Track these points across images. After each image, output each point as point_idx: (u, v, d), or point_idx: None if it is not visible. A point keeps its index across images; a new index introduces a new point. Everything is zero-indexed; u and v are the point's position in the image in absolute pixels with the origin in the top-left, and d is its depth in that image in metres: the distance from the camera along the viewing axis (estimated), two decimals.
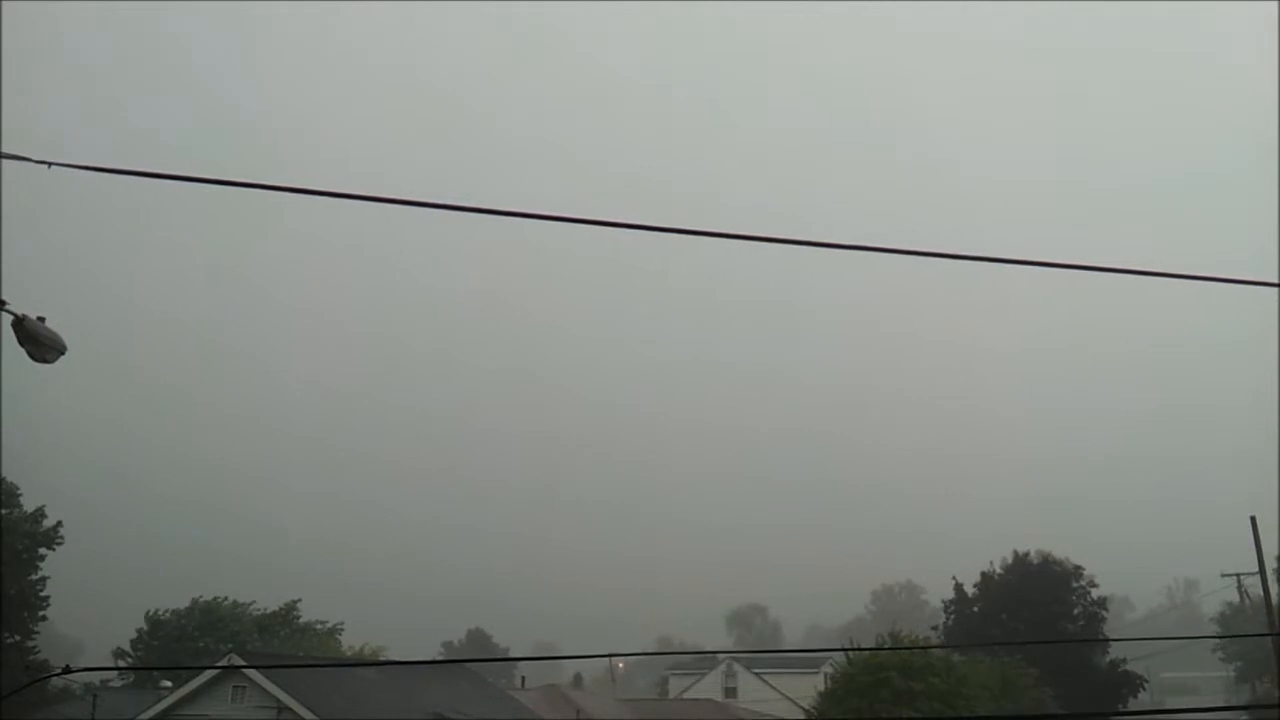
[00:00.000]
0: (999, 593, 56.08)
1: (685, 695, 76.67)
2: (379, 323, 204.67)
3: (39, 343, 11.25)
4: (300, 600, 74.59)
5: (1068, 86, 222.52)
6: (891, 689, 34.84)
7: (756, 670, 76.27)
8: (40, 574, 56.99)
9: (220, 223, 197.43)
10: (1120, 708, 52.36)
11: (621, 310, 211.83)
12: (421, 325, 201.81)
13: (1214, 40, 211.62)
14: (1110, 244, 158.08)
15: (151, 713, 37.48)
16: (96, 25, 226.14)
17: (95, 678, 54.71)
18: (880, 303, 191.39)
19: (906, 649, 37.91)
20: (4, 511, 55.07)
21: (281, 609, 73.20)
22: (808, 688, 53.38)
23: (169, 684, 47.39)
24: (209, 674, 37.87)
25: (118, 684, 61.18)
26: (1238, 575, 55.89)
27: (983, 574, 57.58)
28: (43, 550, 57.11)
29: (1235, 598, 64.15)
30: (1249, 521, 47.32)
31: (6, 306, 11.05)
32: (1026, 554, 57.62)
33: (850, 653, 39.05)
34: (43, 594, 56.99)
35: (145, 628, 69.83)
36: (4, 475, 56.23)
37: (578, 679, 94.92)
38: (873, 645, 41.33)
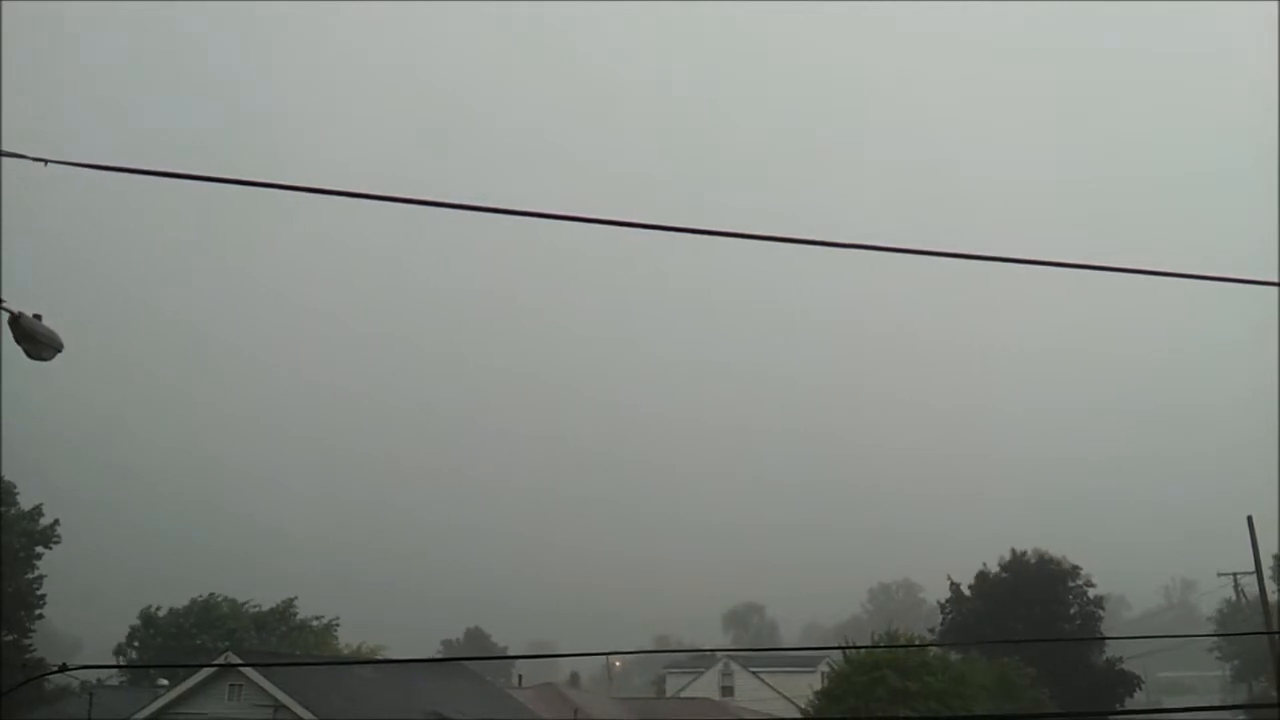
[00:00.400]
0: (996, 592, 56.12)
1: (682, 694, 76.62)
2: (377, 321, 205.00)
3: (35, 340, 11.24)
4: (297, 598, 74.59)
5: (1067, 87, 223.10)
6: (887, 688, 34.86)
7: (753, 669, 76.23)
8: (37, 572, 56.99)
9: (225, 221, 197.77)
10: (1116, 707, 52.47)
11: (620, 309, 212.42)
12: (420, 324, 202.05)
13: (1214, 40, 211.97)
14: (1108, 243, 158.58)
15: (148, 711, 37.41)
16: (102, 25, 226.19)
17: (92, 676, 54.68)
18: (877, 302, 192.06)
19: (903, 648, 37.92)
20: (1, 510, 55.04)
21: (279, 606, 73.15)
22: (804, 687, 53.38)
23: (165, 682, 47.36)
24: (206, 672, 37.81)
25: (114, 682, 61.14)
26: (1234, 575, 55.93)
27: (978, 573, 57.62)
28: (40, 548, 57.11)
29: (1232, 597, 64.23)
30: (1246, 521, 47.44)
31: (4, 305, 11.04)
32: (1024, 553, 57.68)
33: (847, 652, 39.08)
34: (40, 592, 56.99)
35: (140, 624, 69.78)
36: (1, 474, 56.23)
37: (575, 677, 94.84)
38: (869, 644, 41.39)
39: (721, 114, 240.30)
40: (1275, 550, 67.46)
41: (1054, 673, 47.68)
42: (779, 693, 68.45)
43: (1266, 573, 49.83)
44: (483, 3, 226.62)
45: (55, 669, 22.89)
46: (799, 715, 46.15)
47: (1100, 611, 57.17)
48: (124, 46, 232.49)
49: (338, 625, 75.72)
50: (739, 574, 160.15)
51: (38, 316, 11.26)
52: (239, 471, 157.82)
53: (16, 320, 11.10)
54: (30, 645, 55.41)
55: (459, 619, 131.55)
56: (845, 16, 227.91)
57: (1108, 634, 57.24)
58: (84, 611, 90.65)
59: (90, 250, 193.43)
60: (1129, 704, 54.70)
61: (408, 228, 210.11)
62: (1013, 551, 57.77)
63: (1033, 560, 57.30)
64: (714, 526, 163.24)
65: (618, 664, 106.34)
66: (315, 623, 73.71)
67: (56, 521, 57.82)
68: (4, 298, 11.09)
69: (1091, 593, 56.81)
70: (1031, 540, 61.08)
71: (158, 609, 70.59)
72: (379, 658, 68.00)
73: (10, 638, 52.87)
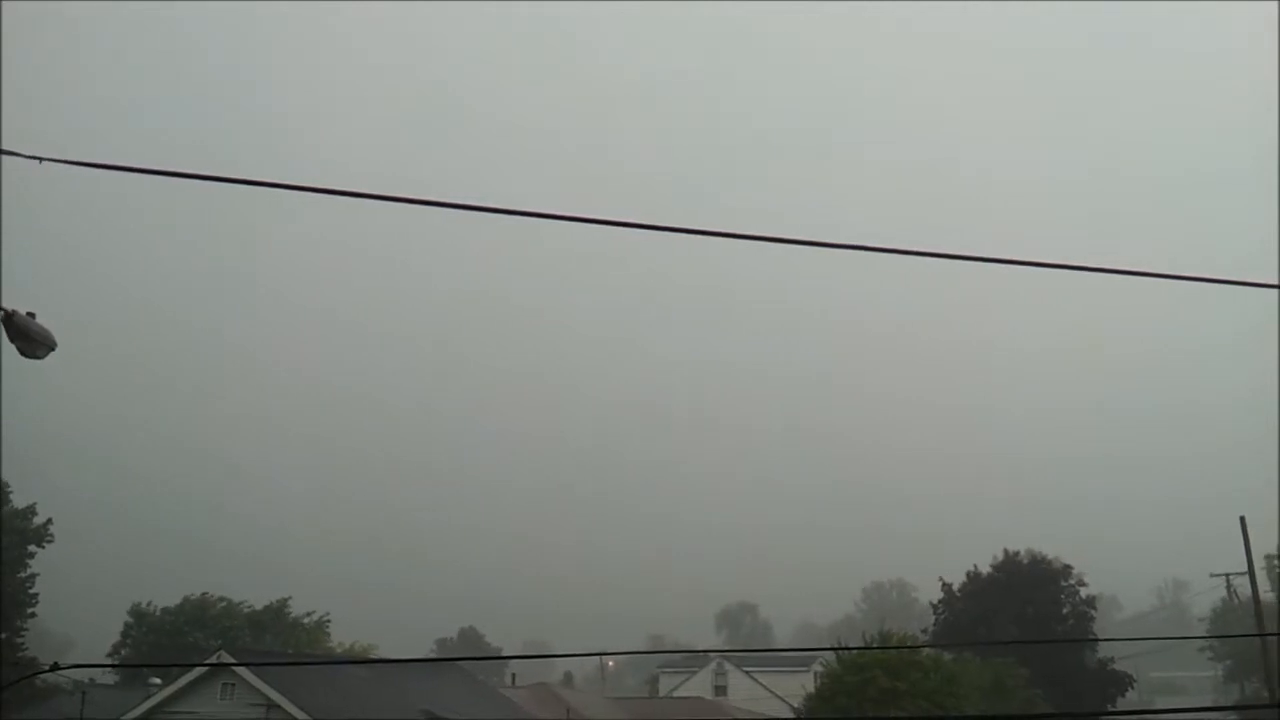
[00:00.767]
0: (988, 592, 56.21)
1: (675, 694, 76.69)
2: (375, 319, 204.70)
3: (29, 338, 11.26)
4: (291, 598, 74.50)
5: (1067, 86, 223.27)
6: (877, 688, 34.95)
7: (747, 669, 76.24)
8: (30, 571, 56.93)
9: (225, 220, 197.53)
10: (1109, 707, 52.63)
11: (616, 308, 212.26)
12: (419, 322, 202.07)
13: (1214, 39, 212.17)
14: (1106, 242, 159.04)
15: (140, 710, 37.35)
16: (101, 24, 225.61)
17: (84, 675, 54.56)
18: (875, 302, 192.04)
19: (895, 648, 38.03)
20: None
21: (274, 605, 73.09)
22: (798, 686, 53.50)
23: (158, 681, 47.28)
24: (198, 671, 37.77)
25: (107, 681, 61.05)
26: (1227, 575, 56.01)
27: (968, 573, 57.71)
28: (32, 547, 57.06)
29: (1224, 598, 64.36)
30: (1239, 521, 47.58)
31: None
32: (1016, 553, 57.78)
33: (839, 652, 39.17)
34: (32, 591, 56.93)
35: (131, 620, 69.66)
36: (1, 473, 56.25)
37: (568, 677, 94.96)
38: (861, 644, 41.47)
39: (722, 113, 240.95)
40: (1268, 551, 67.74)
41: (1046, 673, 47.78)
42: (772, 693, 68.53)
43: (1259, 574, 49.98)
44: (483, 2, 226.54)
45: (47, 668, 22.87)
46: (792, 715, 46.26)
47: (1092, 612, 57.30)
48: (122, 46, 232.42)
49: (329, 622, 75.58)
50: (733, 573, 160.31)
51: (31, 315, 11.27)
52: (236, 470, 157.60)
53: (10, 318, 11.12)
54: (23, 644, 55.37)
55: (453, 618, 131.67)
56: (845, 16, 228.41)
57: (1100, 634, 57.43)
58: (79, 610, 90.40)
59: (89, 248, 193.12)
60: (1121, 704, 54.88)
61: (408, 227, 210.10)
62: (1005, 552, 57.86)
63: (1025, 560, 57.40)
64: (708, 526, 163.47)
65: (611, 664, 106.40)
66: (306, 620, 73.58)
67: (49, 521, 57.78)
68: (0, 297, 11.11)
69: (1084, 593, 56.92)
70: (1025, 540, 61.42)
71: (150, 605, 70.45)
72: (372, 657, 67.96)
73: (2, 637, 52.85)
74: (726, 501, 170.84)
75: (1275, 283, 11.19)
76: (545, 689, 62.24)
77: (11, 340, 11.16)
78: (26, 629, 57.59)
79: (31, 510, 57.36)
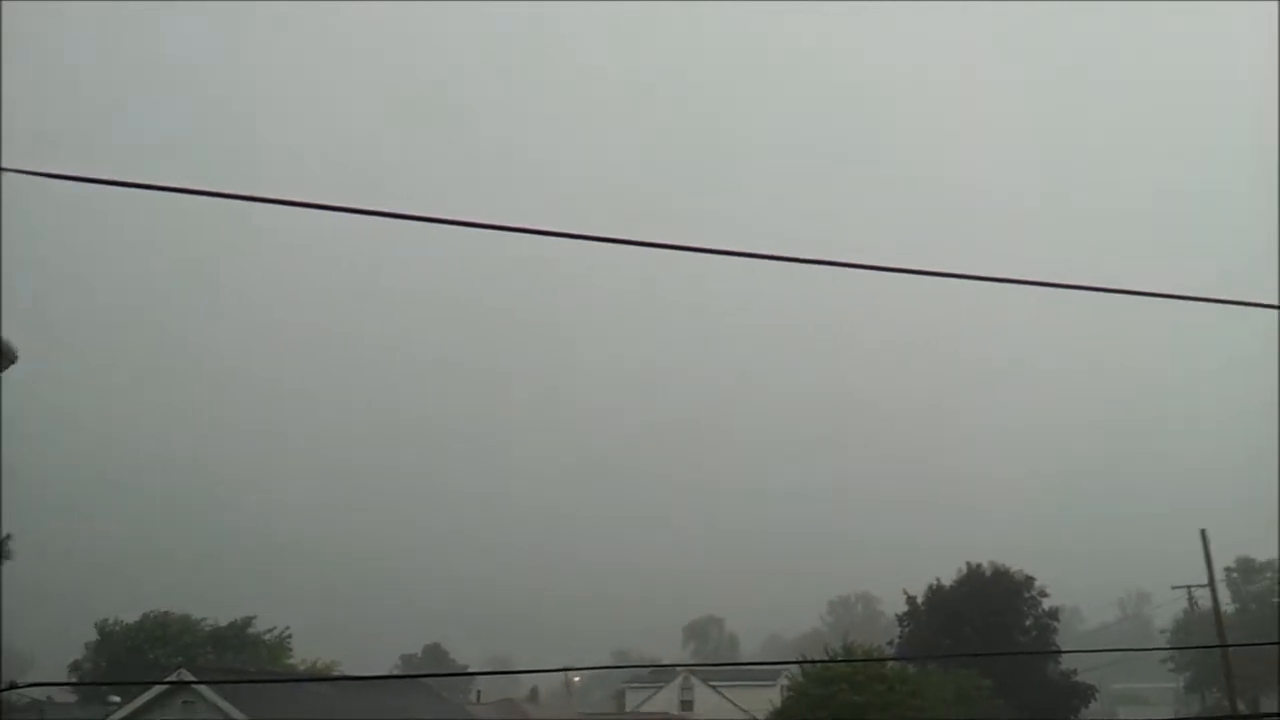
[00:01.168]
0: (952, 604, 56.48)
1: (641, 708, 76.59)
2: (345, 325, 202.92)
3: None
4: (255, 617, 73.71)
5: (1066, 101, 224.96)
6: (842, 702, 35.06)
7: (713, 683, 76.25)
8: None
9: (204, 222, 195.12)
10: (1071, 718, 53.01)
11: (589, 316, 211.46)
12: (375, 326, 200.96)
13: (1215, 54, 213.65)
14: (1090, 257, 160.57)
15: None
16: (85, 25, 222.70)
17: (42, 693, 53.84)
18: (847, 313, 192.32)
19: (860, 661, 38.13)
20: None
21: (237, 622, 72.33)
22: (764, 701, 53.54)
23: (117, 699, 46.66)
24: (158, 689, 37.31)
25: (67, 699, 60.23)
26: (1188, 588, 56.62)
27: (931, 586, 58.00)
28: None
29: (1186, 609, 65.05)
30: (1200, 535, 48.16)
31: None
32: (979, 565, 58.12)
33: (804, 666, 39.26)
34: None
35: (98, 638, 68.80)
36: None
37: (534, 693, 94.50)
38: (826, 657, 41.58)
39: (720, 122, 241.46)
40: (1227, 564, 68.61)
41: (1009, 685, 48.04)
42: (739, 707, 68.56)
43: (1220, 585, 50.59)
44: (485, 3, 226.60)
45: (5, 687, 22.55)
46: None
47: (1055, 624, 57.67)
48: (109, 47, 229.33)
49: (289, 637, 74.83)
50: (699, 587, 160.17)
51: None
52: (198, 483, 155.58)
53: None
54: None
55: (418, 634, 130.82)
56: (844, 16, 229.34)
57: (1062, 646, 57.75)
58: (40, 626, 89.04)
59: (62, 255, 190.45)
60: (1084, 715, 55.29)
61: (392, 234, 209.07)
62: (968, 565, 58.21)
63: (988, 573, 57.74)
64: (674, 539, 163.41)
65: (577, 679, 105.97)
66: (268, 636, 72.84)
67: (9, 536, 56.89)
68: None
69: (1046, 604, 57.29)
70: (989, 553, 61.56)
71: (115, 623, 69.61)
72: (336, 674, 67.38)
73: None
74: (693, 514, 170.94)
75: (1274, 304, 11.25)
76: (511, 705, 62.08)
77: None
78: None
79: None
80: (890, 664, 40.56)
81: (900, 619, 59.53)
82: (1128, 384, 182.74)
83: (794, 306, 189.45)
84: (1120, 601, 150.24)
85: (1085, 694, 54.60)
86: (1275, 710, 63.20)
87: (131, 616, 69.90)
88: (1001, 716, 44.93)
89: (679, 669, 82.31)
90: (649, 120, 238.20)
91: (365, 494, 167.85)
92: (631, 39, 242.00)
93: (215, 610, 73.35)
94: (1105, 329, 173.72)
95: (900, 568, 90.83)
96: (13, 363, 11.26)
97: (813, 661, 39.61)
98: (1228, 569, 69.98)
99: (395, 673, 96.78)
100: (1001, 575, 57.62)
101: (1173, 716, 78.66)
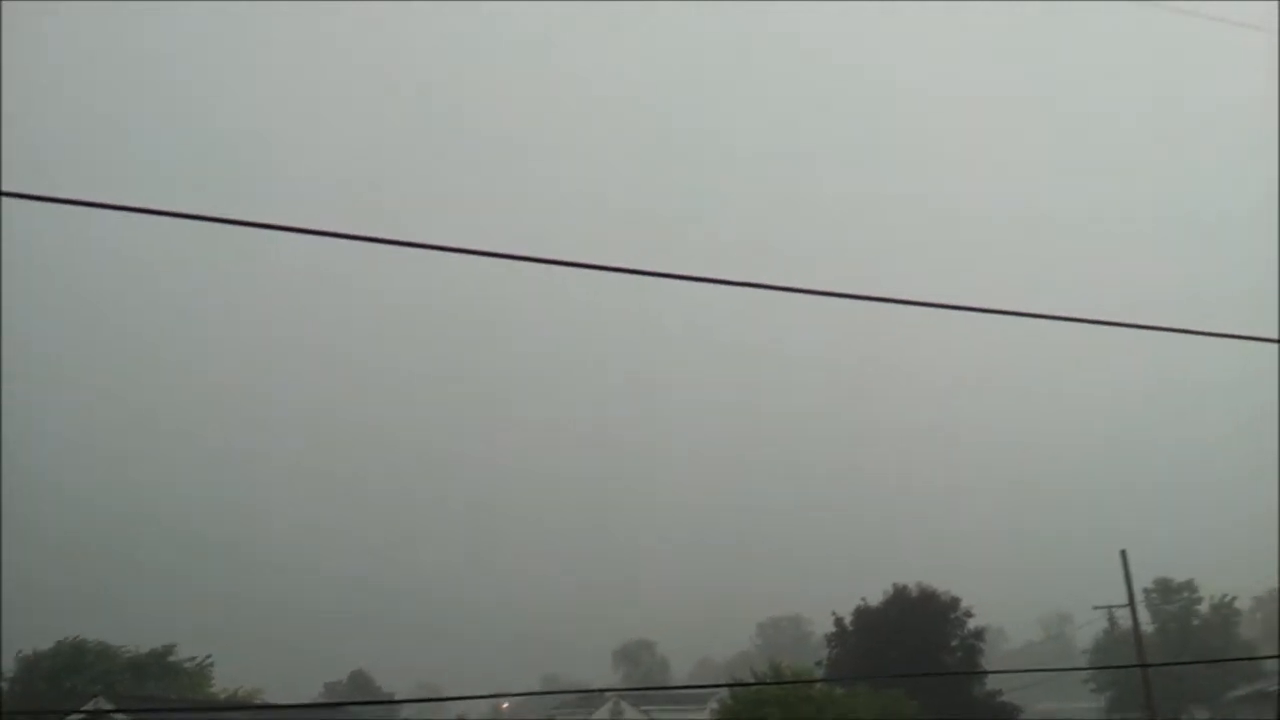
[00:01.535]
0: (879, 626, 56.84)
1: None
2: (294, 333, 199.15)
3: None
4: (177, 645, 71.91)
5: (1064, 115, 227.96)
6: None
7: (645, 707, 76.07)
8: None
9: (188, 227, 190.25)
10: None
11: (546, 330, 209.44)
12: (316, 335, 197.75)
13: (1215, 71, 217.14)
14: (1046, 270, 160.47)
15: None
16: (77, 31, 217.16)
17: None
18: (776, 330, 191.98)
19: (790, 683, 38.22)
20: None
21: (157, 650, 70.53)
22: None
23: None
24: (75, 718, 36.31)
25: None
26: (1109, 608, 57.52)
27: (857, 607, 58.39)
28: None
29: (1106, 630, 66.15)
30: (1119, 555, 49.00)
31: None
32: (904, 586, 58.61)
33: (734, 689, 39.26)
34: None
35: (15, 671, 66.68)
36: None
37: None
38: (754, 679, 41.59)
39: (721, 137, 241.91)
40: (1145, 585, 69.78)
41: (936, 705, 48.40)
42: None
43: (1139, 606, 51.46)
44: (481, 3, 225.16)
45: None
46: None
47: (981, 644, 58.28)
48: (102, 54, 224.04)
49: (211, 665, 73.14)
50: (628, 609, 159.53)
51: None
52: (110, 506, 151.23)
53: None
54: None
55: (342, 662, 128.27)
56: (842, 19, 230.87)
57: (987, 666, 58.37)
58: None
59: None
60: None
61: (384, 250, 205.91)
62: (894, 586, 58.67)
63: (914, 593, 58.24)
64: (602, 560, 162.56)
65: (505, 705, 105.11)
66: (188, 664, 71.12)
67: None
68: None
69: (971, 624, 57.90)
70: (916, 572, 62.24)
71: (29, 653, 67.54)
72: (258, 703, 65.96)
73: None
74: (619, 535, 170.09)
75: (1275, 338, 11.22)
76: None
77: None
78: None
79: None
80: (819, 685, 40.68)
81: (829, 640, 59.80)
82: (1050, 404, 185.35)
83: (723, 321, 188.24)
84: (1042, 621, 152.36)
85: (1011, 714, 55.18)
86: None
87: (44, 644, 67.88)
88: None
89: (609, 693, 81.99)
90: (649, 122, 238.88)
91: (282, 521, 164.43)
92: (635, 48, 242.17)
93: (132, 639, 71.54)
94: (1030, 351, 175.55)
95: (829, 588, 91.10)
96: None
97: (740, 684, 39.62)
98: (1146, 590, 71.13)
99: (320, 701, 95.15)
100: (928, 596, 58.14)
101: None
